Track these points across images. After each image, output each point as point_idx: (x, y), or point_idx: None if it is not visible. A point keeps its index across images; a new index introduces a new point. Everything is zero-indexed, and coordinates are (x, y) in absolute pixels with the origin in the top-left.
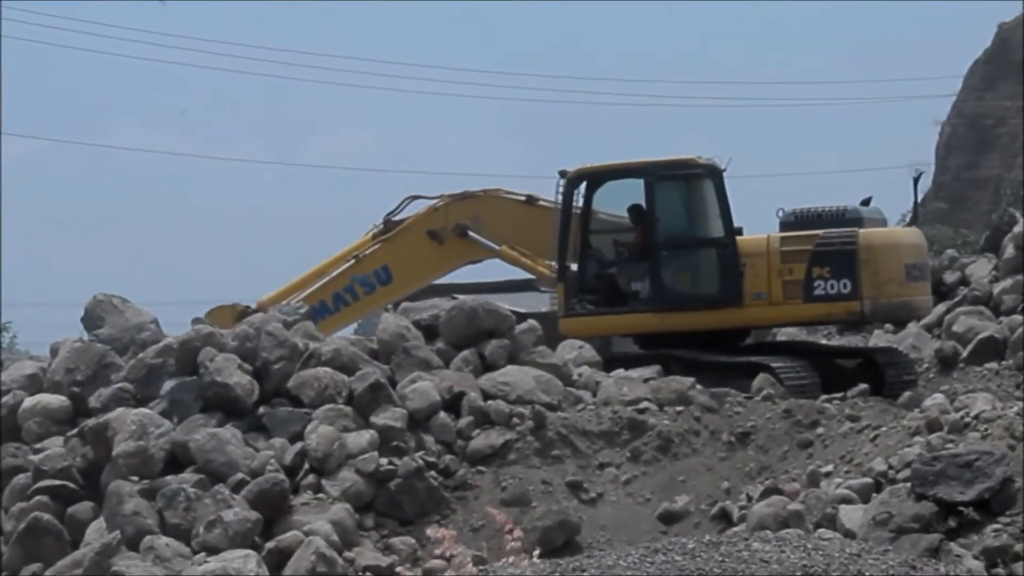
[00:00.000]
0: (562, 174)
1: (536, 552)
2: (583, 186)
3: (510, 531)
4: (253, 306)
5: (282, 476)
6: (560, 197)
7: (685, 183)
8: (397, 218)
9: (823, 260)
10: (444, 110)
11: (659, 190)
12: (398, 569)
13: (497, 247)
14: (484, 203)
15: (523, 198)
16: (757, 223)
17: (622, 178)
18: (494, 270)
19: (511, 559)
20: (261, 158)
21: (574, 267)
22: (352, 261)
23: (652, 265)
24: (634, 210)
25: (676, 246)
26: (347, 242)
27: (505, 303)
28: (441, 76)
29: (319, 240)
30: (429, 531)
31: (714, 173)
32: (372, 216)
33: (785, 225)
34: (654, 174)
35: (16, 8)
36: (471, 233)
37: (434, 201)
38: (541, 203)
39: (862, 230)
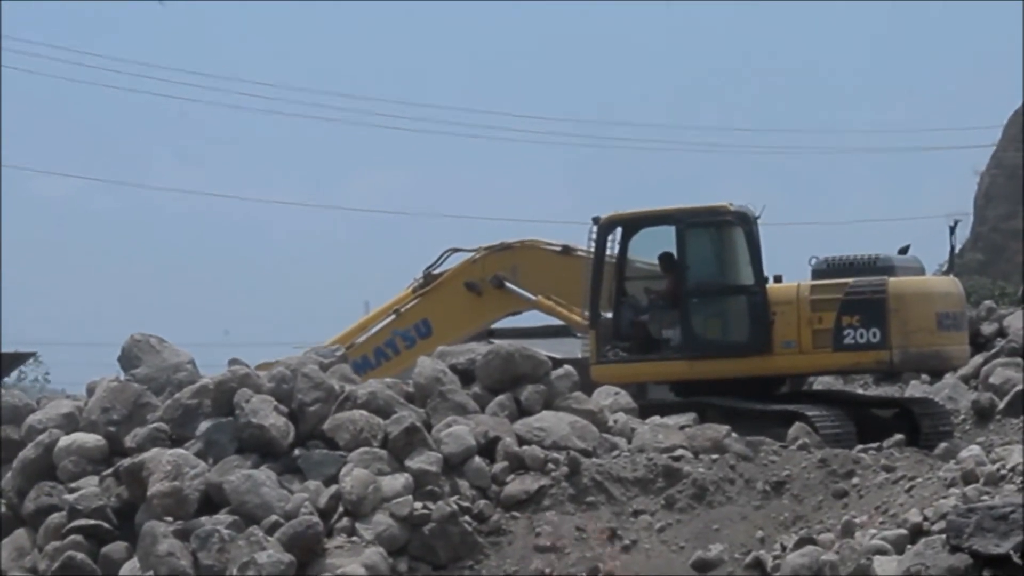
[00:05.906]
0: (595, 220)
1: None
2: (616, 232)
3: None
4: None
5: (316, 519)
6: (593, 244)
7: (716, 230)
8: (437, 271)
9: (852, 309)
10: (483, 154)
11: (690, 237)
12: None
13: (534, 297)
14: (521, 254)
15: (559, 248)
16: (796, 271)
17: (654, 225)
18: (531, 317)
19: None
20: (301, 200)
21: (607, 315)
22: (393, 316)
23: (682, 312)
24: (664, 257)
25: (706, 293)
26: (385, 284)
27: (542, 348)
28: (480, 121)
29: (358, 281)
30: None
31: (745, 220)
32: (411, 260)
33: (817, 273)
34: (685, 221)
35: (52, 46)
36: (508, 284)
37: (472, 253)
38: (577, 252)
39: (892, 279)
